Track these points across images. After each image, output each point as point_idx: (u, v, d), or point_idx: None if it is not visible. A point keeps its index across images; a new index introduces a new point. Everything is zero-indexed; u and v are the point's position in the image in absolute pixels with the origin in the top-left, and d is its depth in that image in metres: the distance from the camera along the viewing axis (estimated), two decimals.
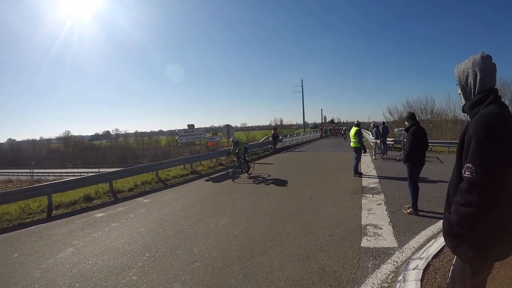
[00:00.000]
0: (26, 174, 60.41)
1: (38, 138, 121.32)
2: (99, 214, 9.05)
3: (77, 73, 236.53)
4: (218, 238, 6.47)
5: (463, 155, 2.02)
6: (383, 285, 4.13)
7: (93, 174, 13.56)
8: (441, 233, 5.65)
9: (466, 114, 2.25)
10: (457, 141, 2.21)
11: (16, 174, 62.46)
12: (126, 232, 7.23)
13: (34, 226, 8.33)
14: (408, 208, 7.07)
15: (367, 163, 15.88)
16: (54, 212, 9.66)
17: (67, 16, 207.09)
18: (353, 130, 12.82)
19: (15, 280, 5.23)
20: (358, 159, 12.60)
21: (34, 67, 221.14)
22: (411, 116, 7.35)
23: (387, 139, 20.21)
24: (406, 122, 7.39)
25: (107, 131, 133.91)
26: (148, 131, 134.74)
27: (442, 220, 2.31)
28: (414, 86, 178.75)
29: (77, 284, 4.91)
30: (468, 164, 1.91)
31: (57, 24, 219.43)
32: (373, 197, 8.71)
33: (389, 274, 4.39)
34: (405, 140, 12.60)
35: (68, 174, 55.25)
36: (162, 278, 4.89)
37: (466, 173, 1.91)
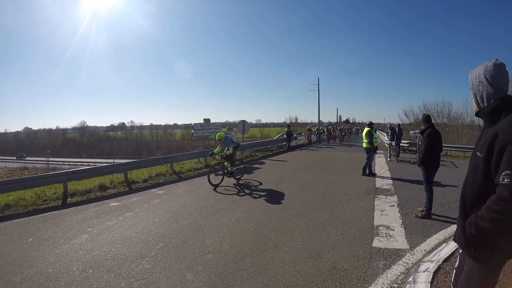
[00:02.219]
0: (41, 162, 61.36)
1: (54, 128, 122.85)
2: (113, 203, 9.18)
3: (93, 66, 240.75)
4: (231, 231, 6.55)
5: (492, 163, 2.03)
6: (393, 285, 4.17)
7: (108, 164, 13.66)
8: (453, 237, 5.65)
9: (479, 118, 2.29)
10: (473, 147, 2.26)
11: (32, 162, 63.53)
12: (140, 222, 7.35)
13: (49, 213, 8.47)
14: (422, 211, 7.04)
15: (381, 164, 15.82)
16: (69, 199, 9.82)
17: (86, 11, 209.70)
18: (365, 130, 12.89)
19: (29, 263, 5.37)
20: (368, 160, 12.59)
21: (52, 59, 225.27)
22: (427, 119, 7.29)
23: (401, 141, 20.02)
24: (422, 126, 7.33)
25: (123, 123, 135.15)
26: (163, 124, 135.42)
27: (455, 225, 2.35)
28: (431, 88, 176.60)
29: (90, 270, 5.03)
30: (507, 171, 1.90)
31: (76, 19, 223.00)
32: (386, 198, 8.71)
33: (399, 275, 4.43)
34: (420, 143, 12.48)
35: (83, 163, 55.90)
36: (175, 268, 4.98)
37: (505, 180, 1.90)
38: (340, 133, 38.25)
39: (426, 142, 6.88)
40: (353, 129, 63.48)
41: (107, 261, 5.34)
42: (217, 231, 6.59)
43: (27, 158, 69.15)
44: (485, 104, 2.19)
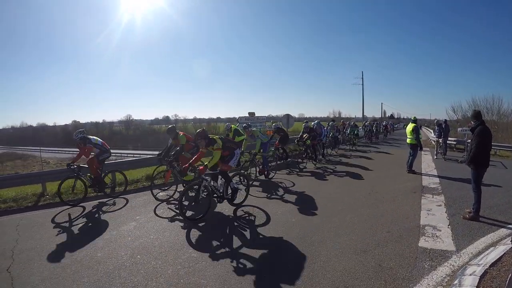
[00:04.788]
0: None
1: (101, 121, 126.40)
2: (161, 193, 9.42)
3: (137, 61, 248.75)
4: (276, 224, 6.70)
5: None
6: (438, 287, 4.13)
7: (153, 155, 13.95)
8: (501, 241, 5.49)
9: None
10: None
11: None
12: (187, 212, 7.61)
13: (99, 200, 8.92)
14: (469, 212, 6.83)
15: (427, 162, 15.41)
16: (117, 188, 10.12)
17: (128, 9, 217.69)
18: (410, 126, 12.70)
19: (79, 247, 5.76)
20: (414, 156, 12.43)
21: (98, 56, 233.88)
22: (477, 115, 6.99)
23: (449, 138, 19.34)
24: (472, 122, 7.08)
25: (167, 116, 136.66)
26: (207, 117, 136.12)
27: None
28: (481, 83, 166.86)
29: (138, 256, 5.33)
30: None
31: (119, 18, 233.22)
32: (433, 197, 8.51)
33: (444, 277, 4.37)
34: (469, 141, 11.99)
35: (128, 155, 57.37)
36: (221, 258, 5.23)
37: None
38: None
39: (477, 140, 6.64)
40: (381, 125, 38.00)
41: (154, 248, 5.63)
42: (263, 223, 6.78)
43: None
44: None
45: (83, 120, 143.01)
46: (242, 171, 10.20)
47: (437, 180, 10.90)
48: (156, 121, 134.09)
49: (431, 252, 5.15)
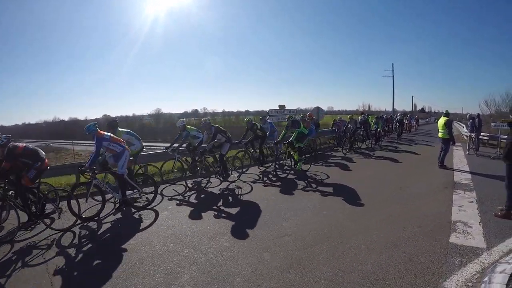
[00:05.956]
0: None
1: (130, 115, 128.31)
2: (190, 184, 9.68)
3: (166, 56, 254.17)
4: (308, 217, 6.85)
5: None
6: (468, 283, 4.13)
7: (183, 147, 14.11)
8: None
9: None
10: None
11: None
12: (218, 202, 7.95)
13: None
14: (501, 210, 6.69)
15: (459, 157, 15.03)
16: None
17: (155, 5, 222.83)
18: (443, 120, 12.46)
19: (114, 236, 6.10)
20: (445, 151, 12.24)
21: (127, 51, 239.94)
22: None
23: (481, 133, 18.53)
24: (511, 116, 6.91)
25: (196, 109, 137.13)
26: (235, 111, 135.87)
27: None
28: None
29: (171, 244, 5.60)
30: None
31: (145, 14, 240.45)
32: (464, 193, 8.38)
33: (474, 274, 4.36)
34: (502, 136, 11.68)
35: (158, 147, 58.22)
36: (253, 247, 5.38)
37: None
38: None
39: None
40: (394, 120, 29.39)
41: (187, 237, 5.89)
42: (294, 215, 6.92)
43: None
44: None
45: (113, 114, 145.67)
46: None
47: (469, 176, 10.70)
48: (185, 114, 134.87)
49: (462, 249, 5.13)
